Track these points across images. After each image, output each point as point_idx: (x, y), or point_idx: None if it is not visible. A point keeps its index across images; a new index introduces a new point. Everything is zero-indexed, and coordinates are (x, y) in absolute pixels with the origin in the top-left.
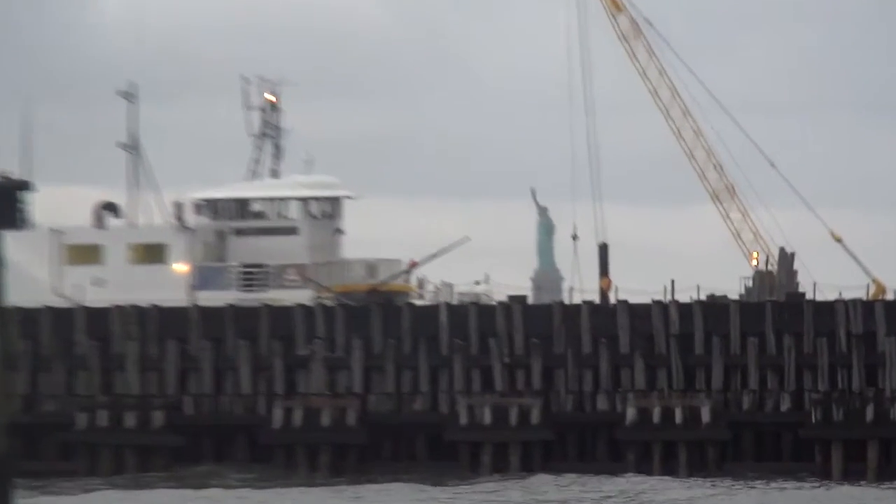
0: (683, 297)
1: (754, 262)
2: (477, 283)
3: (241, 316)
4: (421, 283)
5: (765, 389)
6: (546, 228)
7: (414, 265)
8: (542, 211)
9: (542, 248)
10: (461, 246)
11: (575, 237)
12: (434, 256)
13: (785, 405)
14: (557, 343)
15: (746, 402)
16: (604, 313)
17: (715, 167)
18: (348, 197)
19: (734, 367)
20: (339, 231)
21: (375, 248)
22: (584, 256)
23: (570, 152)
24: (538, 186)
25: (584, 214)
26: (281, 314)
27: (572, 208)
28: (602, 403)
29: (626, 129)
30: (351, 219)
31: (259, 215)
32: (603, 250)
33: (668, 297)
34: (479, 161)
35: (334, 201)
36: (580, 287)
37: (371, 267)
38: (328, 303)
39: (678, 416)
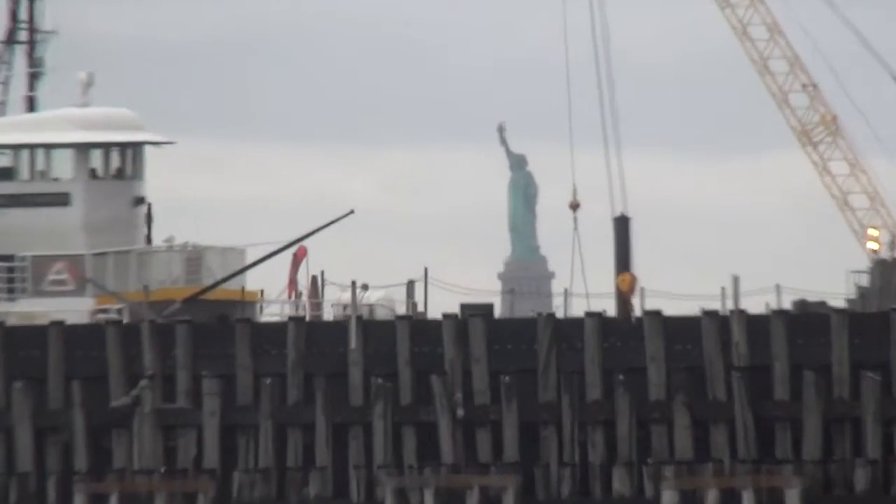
0: (753, 303)
1: (872, 246)
2: (365, 287)
3: None
4: (316, 285)
5: (893, 459)
6: (522, 191)
7: (301, 255)
8: (517, 161)
9: (516, 222)
10: (344, 219)
11: (574, 206)
12: (309, 235)
13: None
14: (545, 383)
15: (861, 479)
16: (622, 332)
17: (804, 87)
18: (155, 143)
19: (839, 421)
20: (139, 200)
21: (204, 229)
22: (589, 237)
23: (563, 61)
24: (510, 122)
25: (590, 168)
26: (35, 339)
27: (569, 158)
28: (621, 483)
29: (653, 25)
30: (160, 179)
31: (4, 174)
32: (621, 227)
33: (727, 305)
34: (390, 83)
35: (132, 150)
36: (582, 288)
37: (192, 260)
38: (122, 318)
39: None
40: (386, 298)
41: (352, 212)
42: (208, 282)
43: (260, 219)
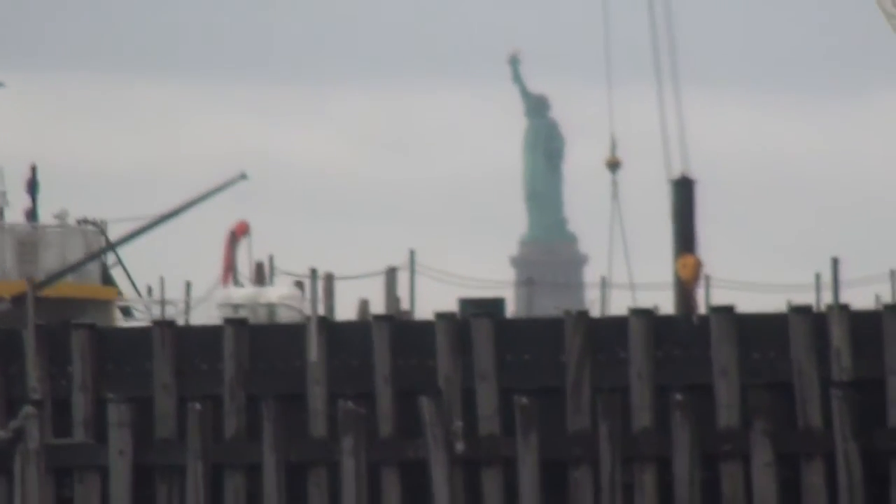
0: (859, 296)
1: None
2: (261, 280)
3: None
4: (262, 274)
5: None
6: (543, 145)
7: (240, 231)
8: (536, 105)
9: (535, 187)
10: (235, 185)
11: (614, 164)
12: (197, 202)
13: None
14: (576, 407)
15: None
16: (681, 337)
17: None
18: None
19: None
20: None
21: (53, 200)
22: (635, 208)
23: None
24: (526, 51)
25: (636, 114)
26: None
27: (605, 99)
28: None
29: None
30: (15, 133)
31: None
32: (683, 193)
33: (824, 298)
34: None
35: None
36: (625, 277)
37: (27, 243)
38: None
39: None
40: (290, 296)
41: (244, 176)
42: (59, 271)
43: (164, 188)
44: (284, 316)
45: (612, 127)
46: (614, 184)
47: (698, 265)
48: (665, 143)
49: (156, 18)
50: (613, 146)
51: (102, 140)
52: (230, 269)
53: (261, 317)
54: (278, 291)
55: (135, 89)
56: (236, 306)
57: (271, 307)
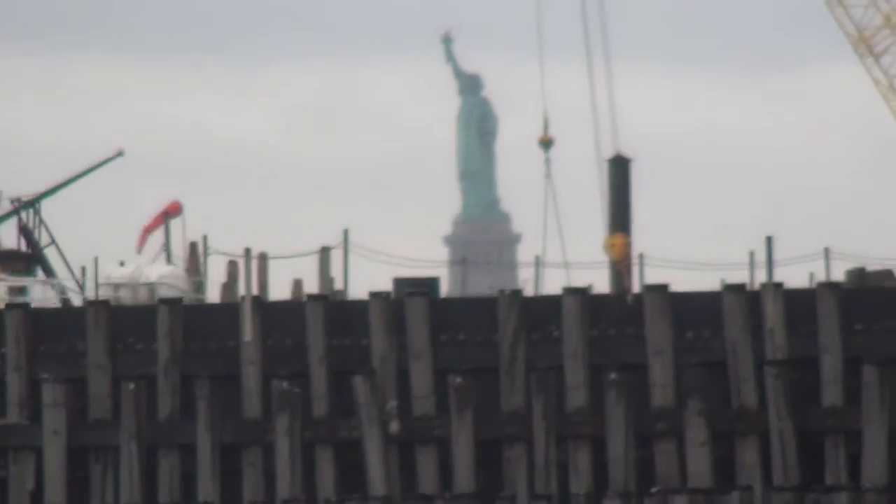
0: (793, 274)
1: None
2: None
3: None
4: (195, 254)
5: None
6: (476, 124)
7: (172, 211)
8: (468, 83)
9: (468, 166)
10: (113, 161)
11: (547, 142)
12: (75, 179)
13: None
14: (510, 386)
15: None
16: (615, 315)
17: None
18: None
19: None
20: None
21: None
22: (568, 186)
23: None
24: (459, 29)
25: (568, 91)
26: None
27: (538, 76)
28: None
29: None
30: None
31: None
32: (618, 171)
33: (758, 277)
34: None
35: None
36: (559, 256)
37: None
38: None
39: None
40: (171, 275)
41: (121, 153)
42: None
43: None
44: (165, 295)
45: (545, 105)
46: (547, 162)
47: (626, 244)
48: (595, 121)
49: None
50: (546, 124)
51: (29, 115)
52: (146, 233)
53: (141, 296)
54: (159, 270)
55: (63, 64)
56: (117, 286)
57: (152, 286)
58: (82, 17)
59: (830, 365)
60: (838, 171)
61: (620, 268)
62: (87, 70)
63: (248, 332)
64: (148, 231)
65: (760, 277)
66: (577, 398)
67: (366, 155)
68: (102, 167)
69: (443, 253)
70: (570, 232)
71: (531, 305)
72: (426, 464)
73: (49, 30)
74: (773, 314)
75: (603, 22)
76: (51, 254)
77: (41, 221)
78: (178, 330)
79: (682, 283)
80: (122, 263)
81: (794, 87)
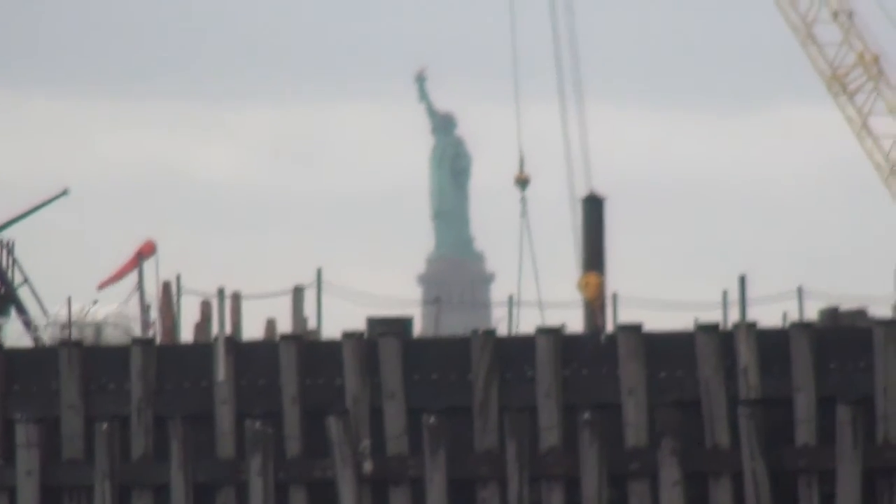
0: (767, 314)
1: None
2: (94, 301)
3: None
4: (168, 294)
5: None
6: (449, 162)
7: (146, 251)
8: (442, 122)
9: (441, 205)
10: (58, 200)
11: (522, 181)
12: (20, 218)
13: None
14: (483, 426)
15: None
16: (588, 355)
17: (835, 16)
18: None
19: (887, 472)
20: None
21: None
22: (543, 225)
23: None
24: (433, 68)
25: (542, 130)
26: None
27: (513, 116)
28: None
29: None
30: None
31: None
32: (592, 210)
33: (732, 316)
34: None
35: None
36: (533, 295)
37: None
38: None
39: None
40: (119, 315)
41: (66, 192)
42: None
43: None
44: (111, 335)
45: (521, 144)
46: (523, 201)
47: (600, 283)
48: (569, 160)
49: (55, 32)
50: (522, 163)
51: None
52: (115, 277)
53: (88, 336)
54: (105, 310)
55: (33, 103)
56: (63, 326)
57: (98, 326)
58: (56, 58)
59: (804, 404)
60: (812, 209)
61: (594, 307)
62: (60, 110)
63: (221, 371)
64: (121, 275)
65: (734, 317)
66: (550, 438)
67: (339, 192)
68: (47, 206)
69: (416, 292)
70: (544, 271)
71: (504, 345)
72: (400, 503)
73: (21, 71)
74: (746, 354)
75: (575, 62)
76: (24, 293)
77: (14, 261)
78: (151, 370)
79: (655, 322)
80: (148, 304)
81: (768, 125)
